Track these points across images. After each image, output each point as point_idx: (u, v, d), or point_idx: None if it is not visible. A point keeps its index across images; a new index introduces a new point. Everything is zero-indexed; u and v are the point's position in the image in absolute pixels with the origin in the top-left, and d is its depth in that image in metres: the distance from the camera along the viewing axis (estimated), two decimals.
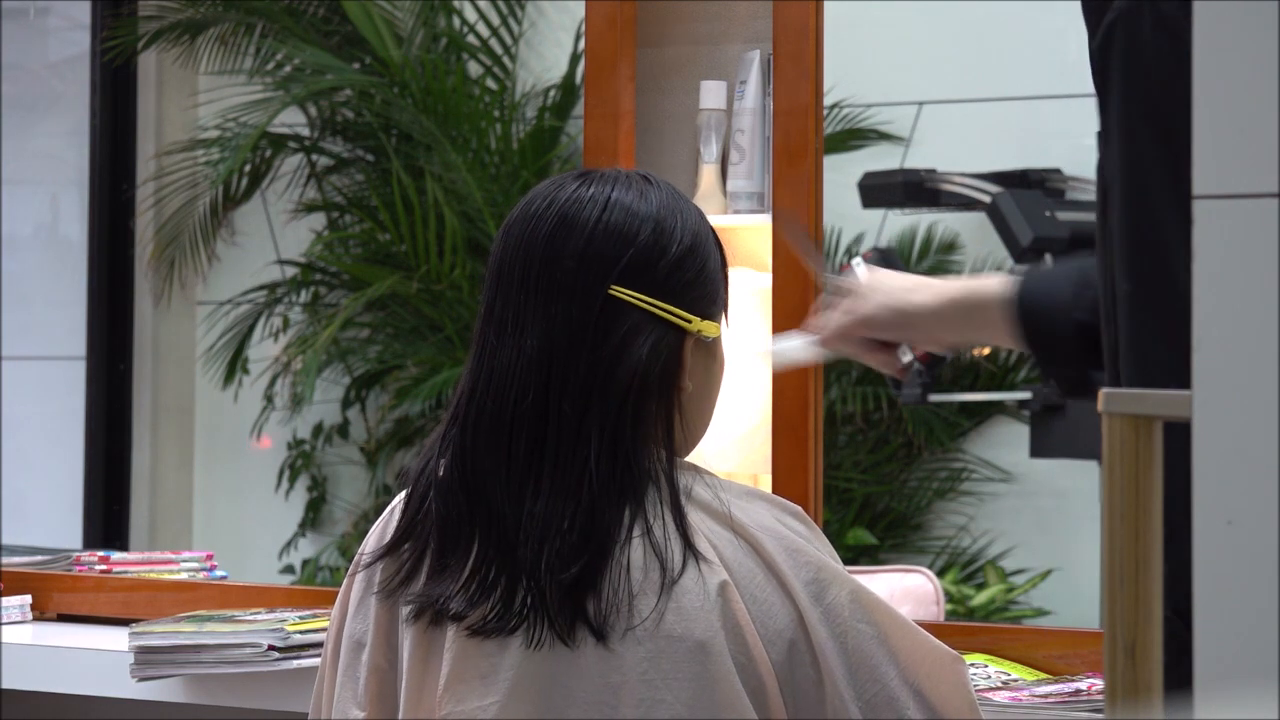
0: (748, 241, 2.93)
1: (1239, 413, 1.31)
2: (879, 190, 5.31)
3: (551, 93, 5.92)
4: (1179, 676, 1.46)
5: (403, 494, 1.99)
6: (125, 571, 3.23)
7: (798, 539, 1.93)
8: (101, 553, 3.26)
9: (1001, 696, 2.44)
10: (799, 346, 2.34)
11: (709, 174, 2.98)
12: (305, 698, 2.47)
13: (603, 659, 1.88)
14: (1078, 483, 5.42)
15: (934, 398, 5.33)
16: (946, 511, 5.72)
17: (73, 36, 6.04)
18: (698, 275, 1.98)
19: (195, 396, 6.11)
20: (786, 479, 2.81)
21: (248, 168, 5.98)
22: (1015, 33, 5.55)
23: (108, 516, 5.83)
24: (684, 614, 1.87)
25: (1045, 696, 2.44)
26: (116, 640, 2.88)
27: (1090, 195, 4.14)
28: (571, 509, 1.89)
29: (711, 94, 2.99)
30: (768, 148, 2.92)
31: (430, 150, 5.83)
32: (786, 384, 2.82)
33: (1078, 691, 2.46)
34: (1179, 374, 1.41)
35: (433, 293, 5.77)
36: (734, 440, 2.91)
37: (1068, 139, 5.29)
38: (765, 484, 2.85)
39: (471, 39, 5.99)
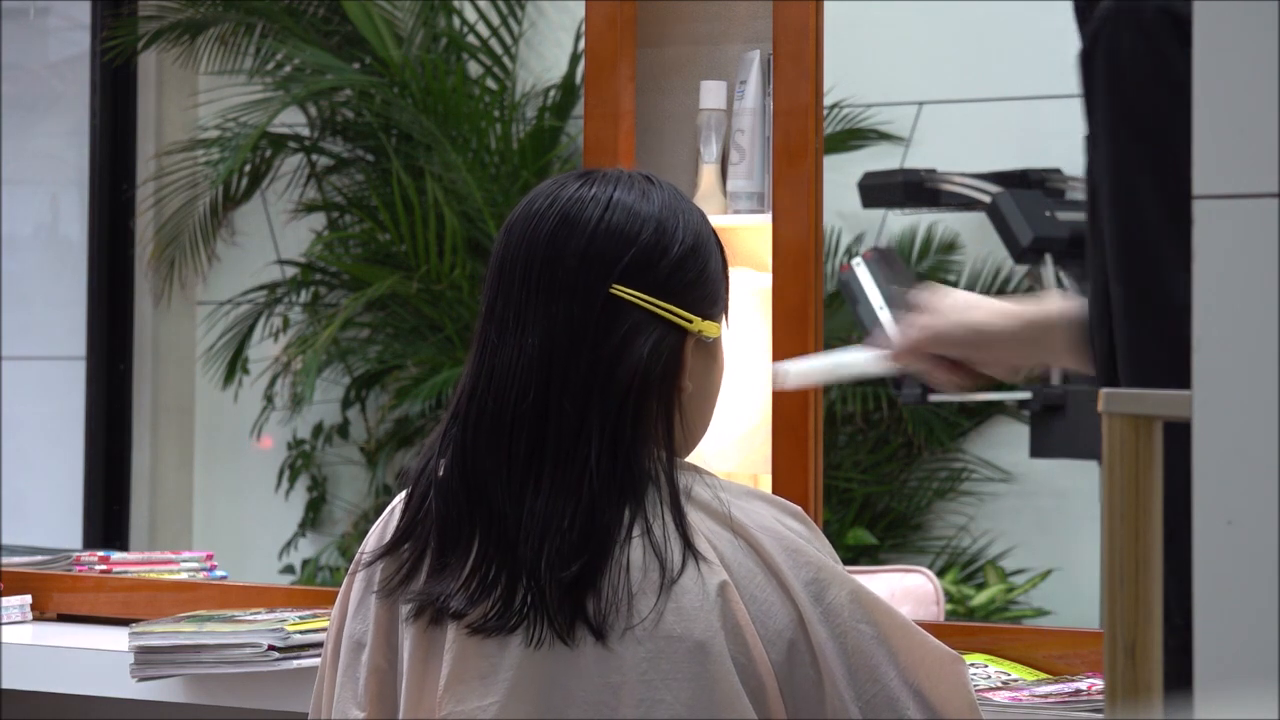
0: (748, 241, 2.93)
1: (1239, 413, 1.31)
2: (879, 190, 5.31)
3: (551, 93, 5.93)
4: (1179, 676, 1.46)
5: (403, 494, 1.99)
6: (125, 571, 3.23)
7: (797, 539, 1.93)
8: (101, 553, 3.26)
9: (1001, 696, 2.44)
10: (869, 360, 2.31)
11: (709, 174, 2.98)
12: (305, 698, 2.47)
13: (602, 659, 1.88)
14: (1078, 483, 5.42)
15: (934, 398, 5.33)
16: (946, 511, 5.72)
17: (73, 36, 6.04)
18: (699, 275, 1.98)
19: (195, 396, 6.11)
20: (786, 479, 2.81)
21: (248, 168, 5.98)
22: (1015, 33, 5.55)
23: (108, 516, 5.83)
24: (683, 614, 1.87)
25: (1045, 696, 2.44)
26: (116, 640, 2.88)
27: None
28: (572, 507, 1.89)
29: (711, 94, 2.99)
30: (768, 148, 2.92)
31: (430, 150, 5.83)
32: None
33: (1078, 691, 2.46)
34: (1177, 375, 1.41)
35: (433, 293, 5.77)
36: (734, 440, 2.91)
37: (1068, 139, 5.27)
38: (765, 484, 2.85)
39: (471, 39, 5.99)
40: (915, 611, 3.29)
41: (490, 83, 5.96)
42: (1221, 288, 1.32)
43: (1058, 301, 2.16)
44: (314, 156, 6.02)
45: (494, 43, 5.96)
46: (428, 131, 5.77)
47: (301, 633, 2.72)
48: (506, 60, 5.96)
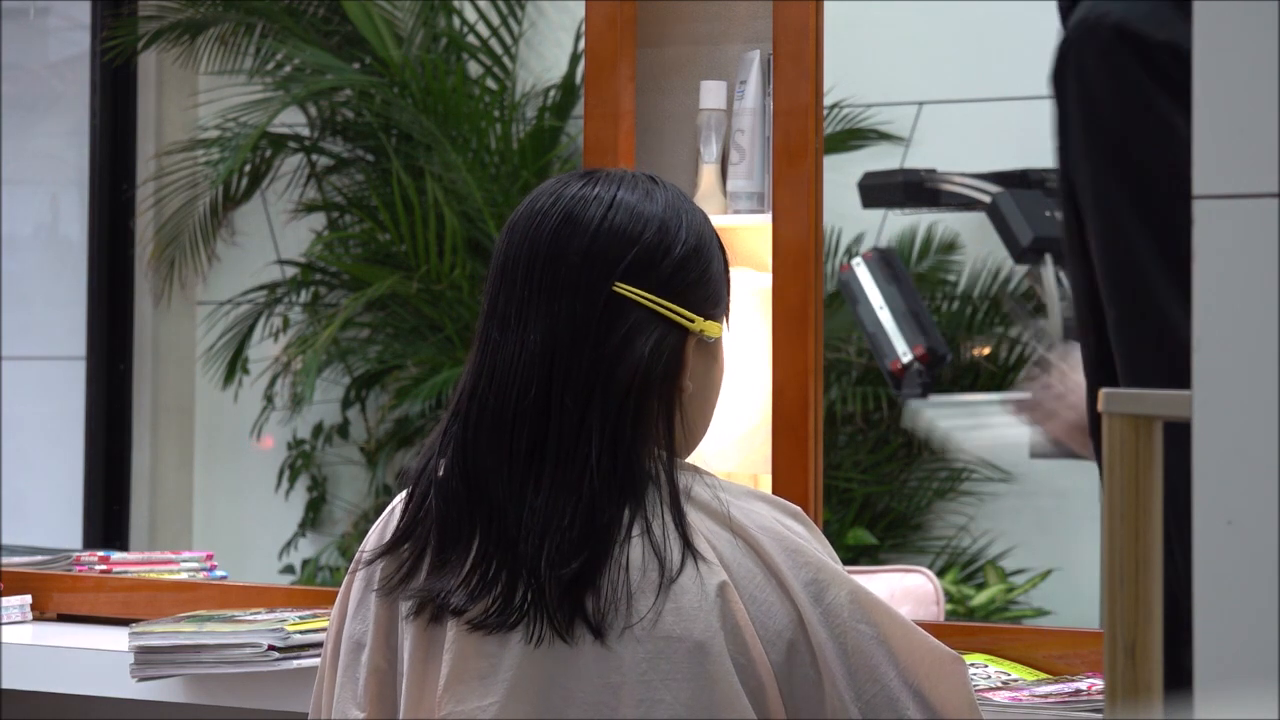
0: (748, 241, 2.93)
1: (1239, 413, 1.31)
2: (879, 190, 5.31)
3: (551, 93, 5.92)
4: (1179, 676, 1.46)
5: (403, 493, 1.99)
6: (125, 571, 3.23)
7: (797, 539, 1.93)
8: (101, 553, 3.26)
9: (1001, 696, 2.44)
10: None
11: (709, 174, 2.98)
12: (305, 698, 2.47)
13: (601, 659, 1.88)
14: (1078, 483, 5.42)
15: (934, 398, 5.33)
16: (946, 511, 5.72)
17: (73, 36, 6.04)
18: (701, 276, 1.98)
19: (195, 396, 6.11)
20: (786, 479, 2.81)
21: (248, 168, 5.98)
22: (1015, 33, 5.54)
23: (108, 516, 5.83)
24: (683, 614, 1.87)
25: (1045, 696, 2.44)
26: (116, 640, 2.88)
27: None
28: (572, 505, 1.89)
29: (711, 94, 2.99)
30: (768, 148, 2.92)
31: (430, 150, 5.83)
32: (786, 384, 2.82)
33: (1078, 691, 2.46)
34: (1176, 379, 1.41)
35: (433, 293, 5.77)
36: (734, 440, 2.91)
37: None
38: (765, 484, 2.85)
39: (471, 39, 5.99)
40: (915, 611, 3.29)
41: (490, 83, 5.96)
42: (1221, 288, 1.32)
43: None
44: (314, 156, 6.02)
45: (494, 43, 5.96)
46: (428, 131, 5.77)
47: (301, 633, 2.72)
48: (506, 60, 5.96)
